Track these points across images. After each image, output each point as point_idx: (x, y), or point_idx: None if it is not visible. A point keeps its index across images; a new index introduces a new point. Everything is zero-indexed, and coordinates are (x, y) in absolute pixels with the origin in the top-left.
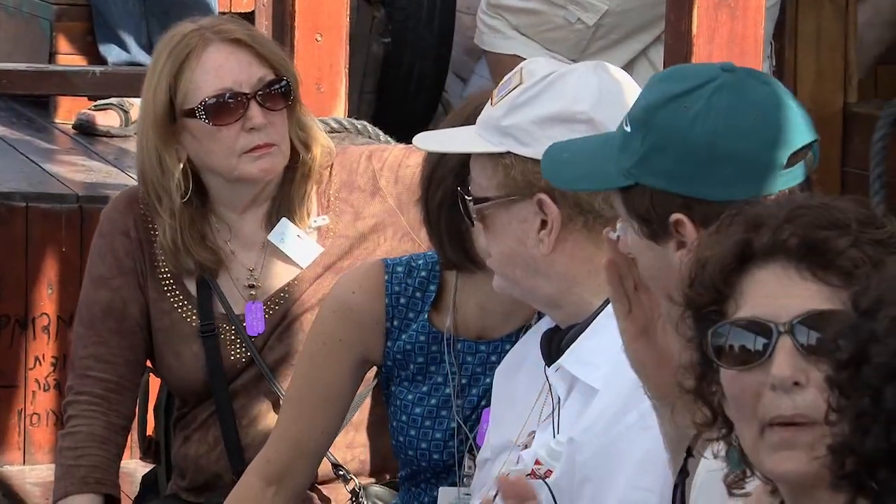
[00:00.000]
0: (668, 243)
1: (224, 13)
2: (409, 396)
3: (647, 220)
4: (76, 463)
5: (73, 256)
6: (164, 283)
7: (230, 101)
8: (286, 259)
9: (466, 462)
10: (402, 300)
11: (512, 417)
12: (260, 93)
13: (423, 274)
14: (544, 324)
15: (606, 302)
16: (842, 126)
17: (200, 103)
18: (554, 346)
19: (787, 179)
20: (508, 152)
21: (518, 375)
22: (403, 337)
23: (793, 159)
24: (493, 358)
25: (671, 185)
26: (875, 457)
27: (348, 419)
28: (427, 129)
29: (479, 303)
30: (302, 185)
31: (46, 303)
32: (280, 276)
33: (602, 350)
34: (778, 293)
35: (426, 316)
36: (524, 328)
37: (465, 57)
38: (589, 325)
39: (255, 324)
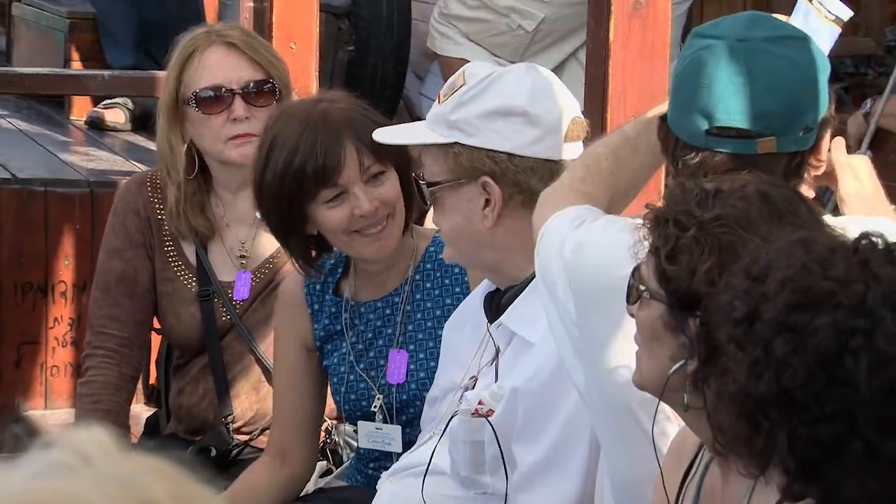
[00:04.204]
0: None
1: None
2: (335, 360)
3: None
4: (94, 408)
5: (85, 233)
6: (168, 254)
7: (218, 94)
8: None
9: (376, 401)
10: (318, 286)
11: (457, 364)
12: (244, 90)
13: (332, 261)
14: (483, 287)
15: None
16: None
17: (193, 94)
18: (494, 305)
19: None
20: (456, 143)
21: (463, 330)
22: (323, 315)
23: None
24: (388, 310)
25: None
26: (767, 398)
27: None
28: (391, 123)
29: (365, 273)
30: None
31: (63, 272)
32: (266, 247)
33: (536, 309)
34: None
35: (332, 292)
36: (402, 283)
37: (421, 59)
38: (524, 287)
39: (242, 290)
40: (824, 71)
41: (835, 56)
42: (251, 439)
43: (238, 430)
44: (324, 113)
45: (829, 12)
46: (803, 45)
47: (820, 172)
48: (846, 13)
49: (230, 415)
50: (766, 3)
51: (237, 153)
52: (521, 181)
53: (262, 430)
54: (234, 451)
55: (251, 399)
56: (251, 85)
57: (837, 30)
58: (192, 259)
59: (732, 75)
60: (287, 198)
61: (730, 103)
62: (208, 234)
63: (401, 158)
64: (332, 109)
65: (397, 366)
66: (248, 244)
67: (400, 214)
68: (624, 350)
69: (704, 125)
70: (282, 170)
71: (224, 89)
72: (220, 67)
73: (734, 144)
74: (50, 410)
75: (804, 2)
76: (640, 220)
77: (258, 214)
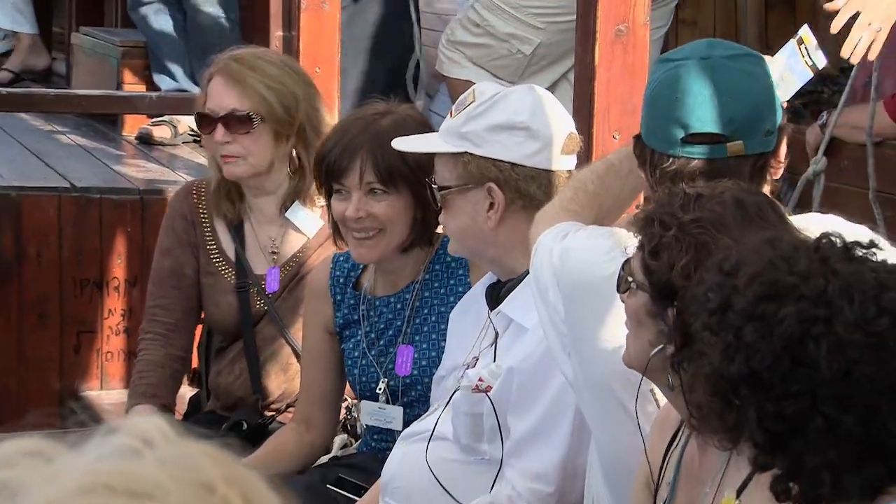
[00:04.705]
0: None
1: None
2: (351, 345)
3: None
4: (140, 382)
5: (135, 235)
6: (211, 252)
7: (209, 118)
8: (298, 231)
9: (381, 384)
10: (342, 279)
11: (460, 347)
12: (224, 117)
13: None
14: (484, 281)
15: None
16: None
17: (197, 113)
18: (495, 294)
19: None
20: (466, 152)
21: (466, 317)
22: (343, 305)
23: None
24: (399, 305)
25: None
26: (738, 379)
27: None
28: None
29: (382, 271)
30: (304, 178)
31: (116, 269)
32: (294, 244)
33: (531, 299)
34: None
35: (352, 286)
36: (413, 283)
37: (431, 80)
38: (521, 280)
39: (273, 283)
40: (774, 85)
41: None
42: (278, 413)
43: (267, 407)
44: (368, 123)
45: (810, 58)
46: (757, 61)
47: (779, 175)
48: (822, 63)
49: (260, 392)
50: (734, 31)
51: (225, 171)
52: (522, 188)
53: (288, 406)
54: (264, 425)
55: (280, 378)
56: (234, 112)
57: (810, 74)
58: (232, 255)
59: (701, 88)
60: (317, 174)
61: (701, 112)
62: (236, 219)
63: (417, 186)
64: (376, 122)
65: (404, 359)
66: (277, 241)
67: (395, 233)
68: (606, 340)
69: (680, 133)
70: (315, 152)
71: (211, 113)
72: (215, 93)
73: (707, 149)
74: (105, 391)
75: (793, 43)
76: (618, 228)
77: (287, 215)
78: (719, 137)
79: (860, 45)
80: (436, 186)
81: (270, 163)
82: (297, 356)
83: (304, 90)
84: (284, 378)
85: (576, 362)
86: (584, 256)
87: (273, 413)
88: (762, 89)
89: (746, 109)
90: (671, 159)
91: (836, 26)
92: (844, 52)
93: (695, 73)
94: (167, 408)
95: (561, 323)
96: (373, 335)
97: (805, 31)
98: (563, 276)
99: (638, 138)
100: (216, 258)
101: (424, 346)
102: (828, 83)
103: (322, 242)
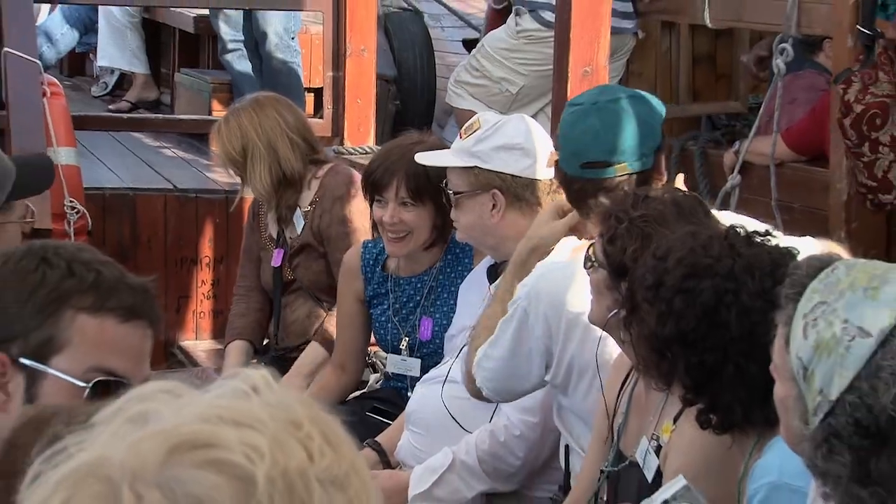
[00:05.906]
0: None
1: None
2: (378, 311)
3: None
4: (230, 328)
5: (222, 224)
6: (263, 236)
7: None
8: (294, 227)
9: (403, 342)
10: (371, 261)
11: (467, 312)
12: None
13: (382, 244)
14: (486, 262)
15: None
16: None
17: None
18: (493, 272)
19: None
20: (475, 166)
21: (472, 289)
22: (373, 281)
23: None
24: (419, 284)
25: None
26: (668, 339)
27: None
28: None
29: (407, 259)
30: (295, 193)
31: (207, 250)
32: (291, 234)
33: None
34: None
35: (381, 267)
36: (432, 266)
37: (442, 115)
38: None
39: (276, 259)
40: (656, 115)
41: (714, 114)
42: (291, 348)
43: (285, 341)
44: (405, 149)
45: None
46: (638, 100)
47: (662, 184)
48: None
49: (279, 331)
50: (670, 80)
51: None
52: (519, 193)
53: (306, 342)
54: (279, 357)
55: (299, 322)
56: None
57: None
58: (275, 235)
59: (592, 126)
60: (364, 186)
61: (593, 145)
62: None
63: (439, 200)
64: (412, 149)
65: (426, 328)
66: (285, 230)
67: (420, 235)
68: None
69: (580, 161)
70: (364, 169)
71: None
72: None
73: (603, 171)
74: (199, 341)
75: None
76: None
77: (293, 219)
78: (609, 162)
79: None
80: (450, 191)
81: (258, 188)
82: (321, 308)
83: (254, 125)
84: (305, 320)
85: (564, 355)
86: (547, 279)
87: (285, 349)
88: (638, 123)
89: (625, 139)
90: (580, 181)
91: None
92: None
93: (588, 115)
94: (250, 342)
95: (539, 349)
96: (397, 305)
97: None
98: (540, 304)
99: (558, 166)
100: (266, 239)
101: (438, 315)
102: (740, 119)
103: (306, 238)
